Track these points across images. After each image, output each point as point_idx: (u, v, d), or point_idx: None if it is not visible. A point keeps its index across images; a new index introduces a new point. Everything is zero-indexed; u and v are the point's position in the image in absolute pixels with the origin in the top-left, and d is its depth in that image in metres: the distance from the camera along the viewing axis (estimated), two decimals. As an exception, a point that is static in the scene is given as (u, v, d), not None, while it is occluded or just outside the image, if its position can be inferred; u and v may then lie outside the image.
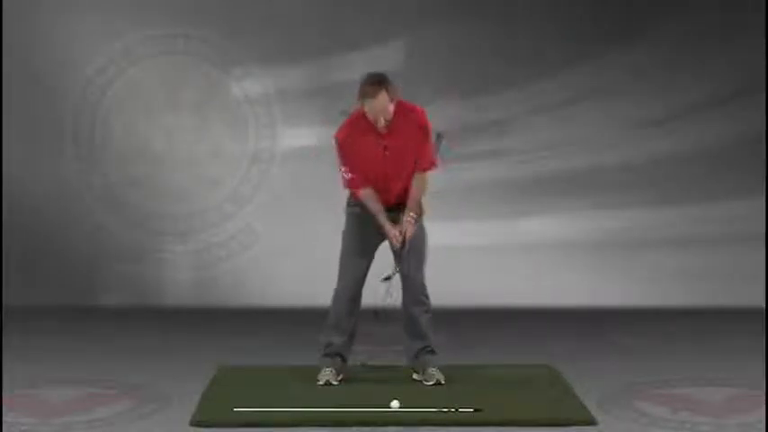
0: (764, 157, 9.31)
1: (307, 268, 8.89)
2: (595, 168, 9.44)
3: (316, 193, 8.90)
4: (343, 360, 6.62)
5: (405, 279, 6.53)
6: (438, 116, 9.30)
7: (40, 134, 9.32)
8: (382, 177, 6.41)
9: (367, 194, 6.43)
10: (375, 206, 6.43)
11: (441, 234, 9.12)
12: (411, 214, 6.44)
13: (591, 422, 5.87)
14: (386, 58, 9.03)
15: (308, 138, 9.06)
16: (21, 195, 9.29)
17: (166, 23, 9.31)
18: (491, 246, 9.37)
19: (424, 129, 6.40)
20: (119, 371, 6.99)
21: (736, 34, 9.34)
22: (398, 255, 6.46)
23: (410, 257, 6.50)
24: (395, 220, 6.48)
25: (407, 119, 6.36)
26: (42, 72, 9.29)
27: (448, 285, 8.78)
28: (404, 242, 6.42)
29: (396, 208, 6.50)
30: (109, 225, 9.35)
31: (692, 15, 9.39)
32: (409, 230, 6.44)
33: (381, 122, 6.29)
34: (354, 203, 6.54)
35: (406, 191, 6.47)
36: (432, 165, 6.46)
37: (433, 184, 9.17)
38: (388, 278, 6.44)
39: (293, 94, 9.32)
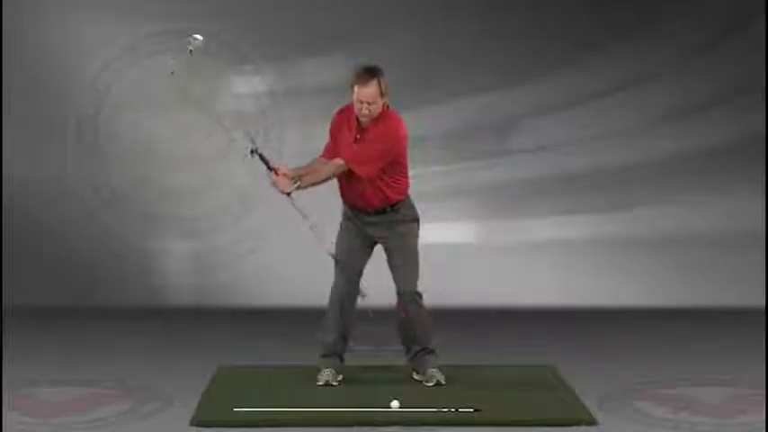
0: (764, 157, 9.31)
1: (307, 268, 8.86)
2: (595, 168, 9.44)
3: (318, 194, 8.87)
4: (341, 359, 6.62)
5: (398, 290, 6.52)
6: (443, 115, 9.44)
7: (42, 133, 9.31)
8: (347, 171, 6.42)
9: (314, 160, 6.48)
10: (306, 169, 6.42)
11: (441, 234, 9.17)
12: (298, 183, 6.35)
13: (591, 422, 5.87)
14: (390, 57, 9.01)
15: (315, 138, 9.05)
16: (21, 195, 9.28)
17: (171, 20, 9.29)
18: (491, 246, 9.37)
19: (382, 137, 6.33)
20: (119, 371, 6.99)
21: (737, 34, 9.33)
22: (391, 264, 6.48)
23: (402, 269, 6.49)
24: (375, 224, 6.49)
25: (385, 126, 6.35)
26: (44, 71, 9.28)
27: (448, 285, 8.81)
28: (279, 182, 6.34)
29: (374, 213, 6.49)
30: (110, 225, 9.35)
31: (693, 15, 9.38)
32: (276, 181, 6.32)
33: (364, 112, 6.30)
34: (346, 205, 6.57)
35: (380, 198, 6.44)
36: (349, 161, 6.32)
37: (435, 185, 9.26)
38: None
39: (300, 92, 9.31)
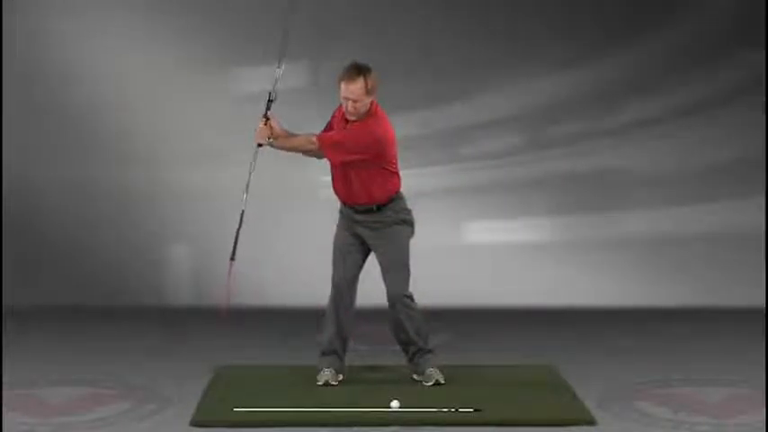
0: (764, 157, 9.30)
1: (307, 268, 8.87)
2: (595, 169, 9.44)
3: (316, 195, 8.88)
4: (341, 359, 6.62)
5: (387, 294, 6.52)
6: (443, 115, 9.44)
7: (42, 134, 9.31)
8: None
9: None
10: (292, 134, 6.45)
11: (441, 234, 9.17)
12: (271, 140, 6.38)
13: (591, 422, 5.87)
14: (389, 56, 9.02)
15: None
16: (21, 195, 9.28)
17: (173, 21, 9.29)
18: (491, 246, 9.37)
19: (358, 133, 6.34)
20: (119, 371, 6.99)
21: (737, 34, 9.33)
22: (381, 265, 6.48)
23: (390, 272, 6.49)
24: (362, 223, 6.50)
25: (364, 123, 6.35)
26: (45, 71, 9.28)
27: (448, 285, 8.81)
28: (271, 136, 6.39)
29: (362, 211, 6.49)
30: (109, 225, 9.34)
31: (693, 16, 9.38)
32: (258, 128, 6.37)
33: (350, 109, 6.33)
34: (342, 205, 6.59)
35: (366, 197, 6.44)
36: (321, 139, 6.36)
37: (434, 185, 9.26)
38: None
39: (298, 93, 9.31)
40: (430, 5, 9.37)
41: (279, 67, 6.46)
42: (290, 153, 6.55)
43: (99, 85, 9.30)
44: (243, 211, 6.51)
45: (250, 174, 6.45)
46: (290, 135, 6.47)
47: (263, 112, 6.42)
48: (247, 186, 6.48)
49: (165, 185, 9.38)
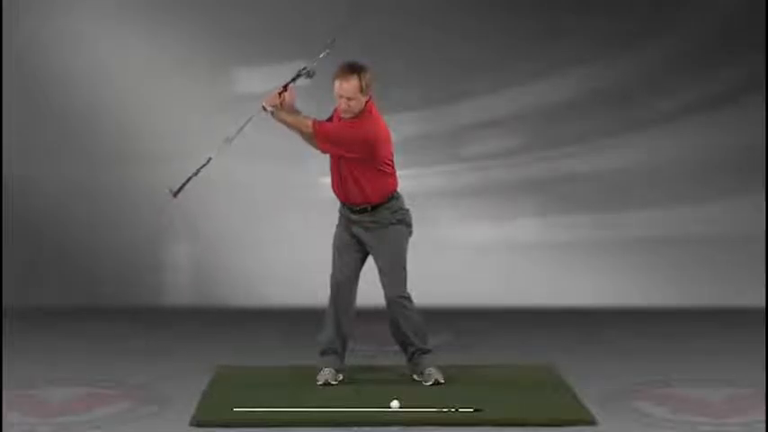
0: (764, 157, 9.31)
1: (307, 268, 8.87)
2: (595, 169, 9.44)
3: (315, 194, 8.89)
4: (341, 359, 6.61)
5: (385, 294, 6.51)
6: (443, 115, 9.45)
7: (42, 134, 9.31)
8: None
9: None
10: (297, 113, 6.47)
11: (441, 235, 9.17)
12: (273, 110, 6.38)
13: (591, 422, 5.87)
14: (389, 56, 9.02)
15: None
16: (21, 195, 9.28)
17: (173, 21, 9.29)
18: (491, 246, 9.37)
19: (348, 130, 6.34)
20: (119, 371, 7.00)
21: (737, 34, 9.33)
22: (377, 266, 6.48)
23: (386, 273, 6.48)
24: (358, 223, 6.50)
25: (356, 122, 6.36)
26: (44, 71, 9.28)
27: (448, 285, 8.81)
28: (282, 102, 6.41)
29: (358, 211, 6.49)
30: (109, 225, 9.35)
31: (692, 16, 9.39)
32: (270, 94, 6.39)
33: (343, 107, 6.34)
34: (340, 205, 6.59)
35: (361, 196, 6.44)
36: (315, 126, 6.38)
37: (435, 185, 9.26)
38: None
39: (297, 91, 9.29)
40: (430, 5, 9.37)
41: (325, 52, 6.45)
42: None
43: (99, 86, 9.30)
44: (210, 159, 6.48)
45: (242, 127, 6.39)
46: (296, 114, 6.46)
47: (288, 81, 6.40)
48: (229, 138, 6.43)
49: (166, 184, 9.35)
